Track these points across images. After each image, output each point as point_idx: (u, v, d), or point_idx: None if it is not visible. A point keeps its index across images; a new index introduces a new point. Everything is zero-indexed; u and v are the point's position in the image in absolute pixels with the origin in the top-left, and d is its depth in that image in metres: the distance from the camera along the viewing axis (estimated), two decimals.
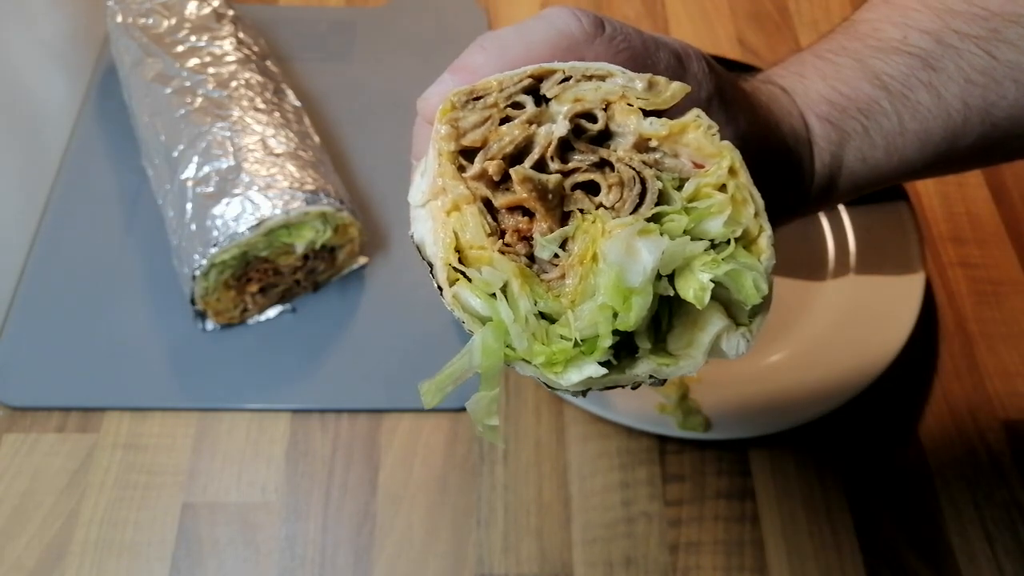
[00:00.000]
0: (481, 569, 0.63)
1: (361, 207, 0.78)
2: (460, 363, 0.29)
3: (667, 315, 0.30)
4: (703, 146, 0.30)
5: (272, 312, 0.74)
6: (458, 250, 0.30)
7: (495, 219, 0.30)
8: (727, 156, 0.30)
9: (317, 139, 0.78)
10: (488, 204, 0.30)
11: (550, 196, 0.30)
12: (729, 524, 0.66)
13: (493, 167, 0.30)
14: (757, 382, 0.70)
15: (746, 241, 0.30)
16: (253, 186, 0.67)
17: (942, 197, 0.85)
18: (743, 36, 0.99)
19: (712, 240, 0.29)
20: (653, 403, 0.67)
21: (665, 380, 0.31)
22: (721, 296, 0.30)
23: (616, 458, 0.68)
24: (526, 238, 0.30)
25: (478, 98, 0.31)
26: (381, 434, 0.69)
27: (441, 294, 0.30)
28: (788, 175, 0.45)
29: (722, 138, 0.31)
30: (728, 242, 0.29)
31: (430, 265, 0.30)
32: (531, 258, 0.30)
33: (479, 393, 0.29)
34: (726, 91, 0.39)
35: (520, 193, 0.29)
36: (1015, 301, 0.78)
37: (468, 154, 0.31)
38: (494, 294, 0.29)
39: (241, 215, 0.66)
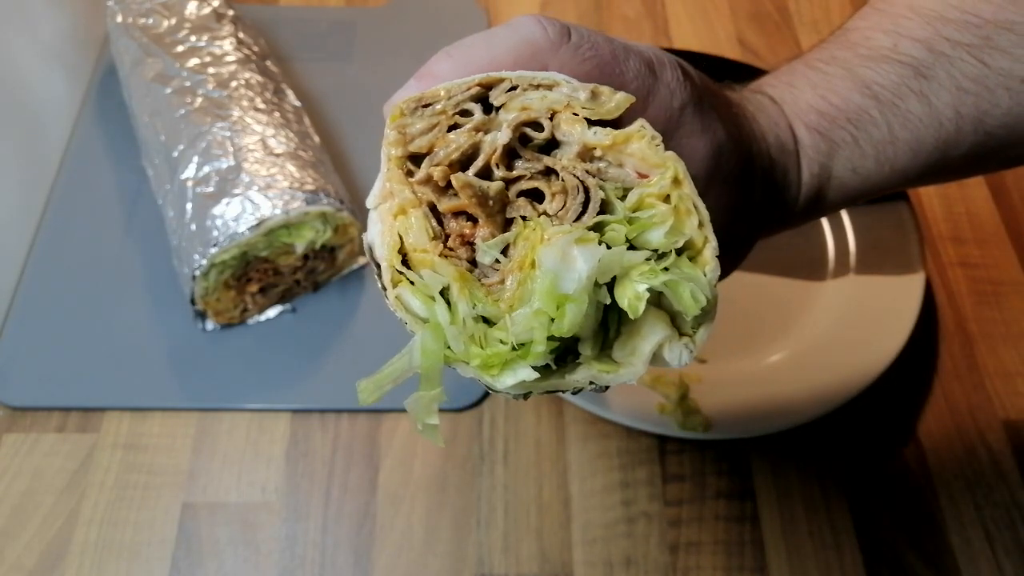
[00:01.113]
0: (481, 569, 0.63)
1: (361, 207, 0.78)
2: (400, 363, 0.30)
3: (616, 323, 0.30)
4: (647, 156, 0.30)
5: (272, 312, 0.74)
6: (403, 253, 0.30)
7: (440, 224, 0.31)
8: (671, 167, 0.30)
9: (317, 139, 0.78)
10: (434, 209, 0.31)
11: (491, 202, 0.30)
12: (729, 524, 0.66)
13: (438, 173, 0.30)
14: (757, 382, 0.70)
15: (692, 252, 0.30)
16: (253, 186, 0.67)
17: (942, 197, 0.85)
18: (743, 36, 0.99)
19: (656, 250, 0.30)
20: (653, 403, 0.67)
21: (607, 387, 0.31)
22: (667, 306, 0.30)
23: (616, 458, 0.68)
24: (469, 243, 0.31)
25: (427, 105, 0.32)
26: (381, 434, 0.69)
27: (385, 295, 0.30)
28: (772, 186, 0.44)
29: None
30: (671, 253, 0.30)
31: (377, 266, 0.31)
32: (474, 263, 0.30)
33: (418, 392, 0.30)
34: (704, 100, 0.38)
35: (462, 199, 0.30)
36: (1015, 301, 0.78)
37: (418, 160, 0.31)
38: (434, 297, 0.29)
39: (241, 215, 0.66)
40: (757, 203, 0.43)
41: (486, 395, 0.71)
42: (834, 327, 0.73)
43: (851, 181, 0.46)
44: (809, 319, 0.74)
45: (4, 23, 0.77)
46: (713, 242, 0.30)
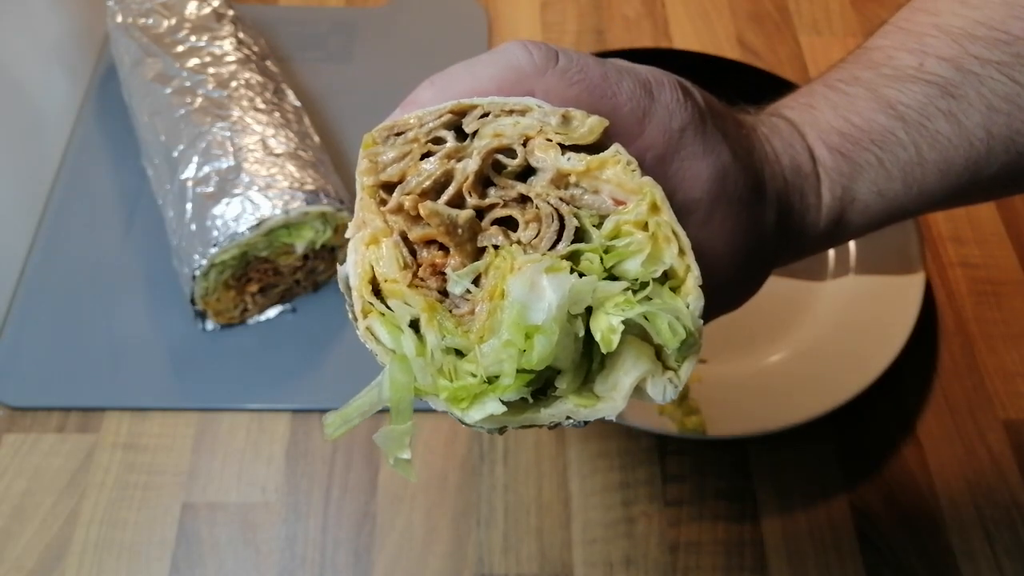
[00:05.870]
0: (481, 569, 0.63)
1: None
2: (369, 396, 0.29)
3: (599, 355, 0.29)
4: (623, 182, 0.29)
5: (272, 312, 0.74)
6: (374, 283, 0.30)
7: (413, 253, 0.30)
8: (648, 193, 0.29)
9: (317, 139, 0.78)
10: (406, 238, 0.30)
11: (460, 231, 0.29)
12: (729, 524, 0.66)
13: (408, 201, 0.30)
14: (757, 382, 0.70)
15: (674, 282, 0.29)
16: (253, 186, 0.67)
17: None
18: (743, 36, 0.99)
19: (636, 280, 0.28)
20: (653, 403, 0.67)
21: (586, 423, 0.30)
22: (652, 339, 0.29)
23: (616, 458, 0.68)
24: (441, 273, 0.30)
25: (399, 133, 0.31)
26: None
27: (356, 326, 0.30)
28: (787, 209, 0.43)
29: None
30: (651, 283, 0.29)
31: (350, 295, 0.30)
32: (445, 293, 0.30)
33: (389, 427, 0.28)
34: (707, 121, 0.37)
35: (431, 228, 0.29)
36: (1015, 301, 0.78)
37: (392, 189, 0.31)
38: (402, 328, 0.29)
39: (241, 215, 0.66)
40: (771, 227, 0.42)
41: None
42: (834, 327, 0.73)
43: (876, 204, 0.45)
44: (809, 319, 0.74)
45: (4, 23, 0.77)
46: (695, 271, 0.29)
